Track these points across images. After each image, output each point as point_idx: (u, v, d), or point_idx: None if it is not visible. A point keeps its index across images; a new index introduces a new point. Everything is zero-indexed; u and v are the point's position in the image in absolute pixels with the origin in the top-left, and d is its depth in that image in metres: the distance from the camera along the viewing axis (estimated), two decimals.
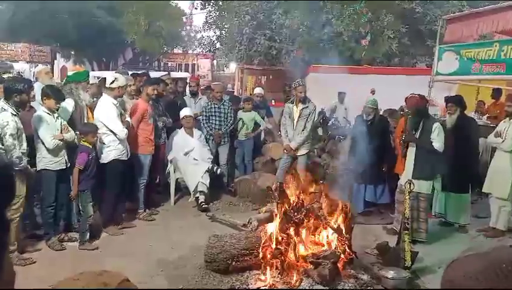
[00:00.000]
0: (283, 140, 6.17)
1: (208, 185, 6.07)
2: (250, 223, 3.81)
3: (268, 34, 16.33)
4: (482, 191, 5.43)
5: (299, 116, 5.85)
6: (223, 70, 29.98)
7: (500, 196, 5.17)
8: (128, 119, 5.03)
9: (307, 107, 5.85)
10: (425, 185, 4.81)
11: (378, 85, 13.51)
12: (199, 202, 6.03)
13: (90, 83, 5.37)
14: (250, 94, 16.38)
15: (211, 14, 19.39)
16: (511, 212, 5.32)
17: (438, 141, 4.79)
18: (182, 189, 6.55)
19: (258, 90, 7.96)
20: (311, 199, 4.16)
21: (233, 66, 22.41)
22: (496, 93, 8.33)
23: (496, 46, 7.54)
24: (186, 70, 29.15)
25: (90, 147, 4.60)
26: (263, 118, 7.35)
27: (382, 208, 6.06)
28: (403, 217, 4.53)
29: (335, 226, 4.08)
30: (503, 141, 5.11)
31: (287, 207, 4.00)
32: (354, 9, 13.59)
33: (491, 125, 7.43)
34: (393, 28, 15.19)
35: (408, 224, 4.42)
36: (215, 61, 29.29)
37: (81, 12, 18.92)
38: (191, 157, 6.22)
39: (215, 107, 6.75)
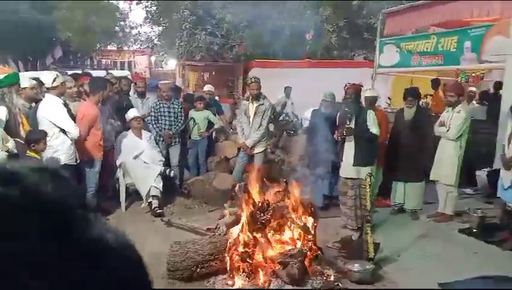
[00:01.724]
0: (239, 138, 6.05)
1: (161, 189, 5.80)
2: (218, 228, 3.65)
3: (209, 29, 16.07)
4: (430, 178, 5.62)
5: (254, 114, 5.75)
6: (162, 67, 29.20)
7: (447, 182, 5.40)
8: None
9: (263, 104, 5.76)
10: (366, 170, 4.89)
11: (320, 78, 13.79)
12: (153, 207, 5.75)
13: (25, 86, 4.87)
14: (194, 91, 16.09)
15: (148, 9, 18.74)
16: (457, 197, 5.60)
17: (374, 126, 4.91)
18: (132, 194, 6.21)
19: (207, 87, 7.74)
20: (275, 198, 4.08)
21: (172, 63, 21.85)
22: (434, 83, 8.75)
23: (433, 38, 7.93)
24: (122, 68, 28.03)
25: (39, 157, 4.18)
26: (214, 116, 7.16)
27: (337, 200, 6.13)
28: (364, 209, 4.60)
29: (301, 224, 4.05)
30: (447, 130, 5.31)
31: (252, 208, 3.90)
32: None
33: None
34: (332, 22, 15.57)
35: (370, 217, 4.49)
36: (153, 58, 28.44)
37: (3, 8, 17.46)
38: (141, 161, 5.90)
39: (164, 107, 6.46)
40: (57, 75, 4.52)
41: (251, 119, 5.81)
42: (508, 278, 3.94)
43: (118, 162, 5.81)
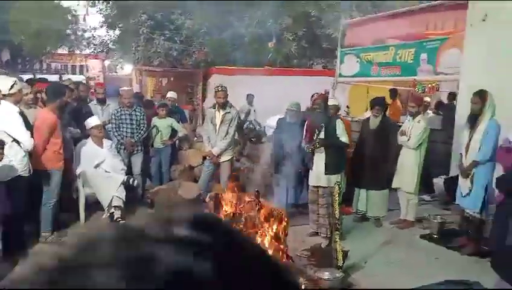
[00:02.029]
0: (205, 146, 5.95)
1: (124, 199, 5.59)
2: None
3: (168, 35, 15.83)
4: (392, 186, 5.78)
5: (221, 122, 5.68)
6: (116, 72, 28.35)
7: (408, 190, 5.59)
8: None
9: (229, 112, 5.71)
10: (335, 178, 4.96)
11: (281, 86, 13.94)
12: (115, 217, 5.52)
13: None
14: (152, 97, 15.75)
15: (103, 12, 18.18)
16: (417, 204, 5.81)
17: (344, 135, 5.00)
18: (91, 205, 5.94)
19: (170, 94, 7.57)
20: (247, 207, 4.03)
21: (128, 68, 21.28)
22: (392, 93, 9.05)
23: (391, 50, 8.23)
24: (74, 72, 27.02)
25: None
26: (178, 123, 7.02)
27: (302, 208, 6.17)
28: (332, 217, 4.64)
29: (272, 234, 4.02)
30: (408, 140, 5.49)
31: (224, 218, 3.83)
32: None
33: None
34: (292, 31, 15.81)
35: (339, 225, 4.53)
36: (107, 62, 27.56)
37: None
38: (102, 170, 5.66)
39: (125, 114, 6.25)
40: (14, 81, 4.22)
41: (217, 127, 5.74)
42: (470, 282, 4.10)
43: (77, 172, 5.54)
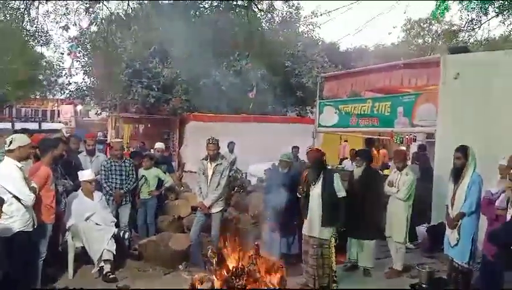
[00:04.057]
0: (197, 197, 5.99)
1: (114, 252, 5.49)
2: None
3: (145, 82, 16.05)
4: (386, 235, 5.90)
5: (212, 173, 5.76)
6: (89, 117, 28.13)
7: (398, 240, 5.73)
8: (34, 184, 4.32)
9: (221, 163, 5.81)
10: (329, 231, 5.05)
11: (259, 133, 14.24)
12: (104, 272, 5.39)
13: None
14: (127, 143, 15.65)
15: (79, 60, 18.29)
16: (404, 253, 5.93)
17: (341, 189, 5.12)
18: (77, 259, 5.78)
19: (158, 145, 7.64)
20: (248, 261, 4.07)
21: (103, 113, 21.20)
22: (368, 143, 9.43)
23: (369, 102, 8.68)
24: (44, 117, 26.64)
25: None
26: (164, 174, 7.03)
27: (293, 258, 6.20)
28: (329, 269, 4.74)
29: (272, 288, 4.05)
30: (397, 191, 5.68)
31: (226, 274, 3.85)
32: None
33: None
34: (267, 80, 16.37)
35: (335, 277, 4.62)
36: (79, 107, 27.37)
37: None
38: (92, 223, 5.58)
39: (115, 165, 6.26)
40: (12, 138, 4.23)
41: (209, 178, 5.81)
42: None
43: (67, 225, 5.43)
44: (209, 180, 5.80)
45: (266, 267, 4.14)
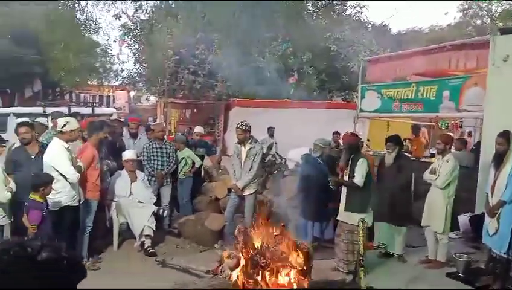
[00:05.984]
0: (231, 179, 6.15)
1: (154, 229, 5.80)
2: (223, 271, 3.68)
3: (192, 69, 16.40)
4: (421, 224, 5.72)
5: (246, 156, 5.88)
6: (141, 103, 29.23)
7: (437, 230, 5.48)
8: (80, 163, 4.69)
9: (254, 147, 5.91)
10: (356, 217, 4.98)
11: (302, 119, 14.14)
12: (145, 246, 5.72)
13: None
14: (175, 127, 16.14)
15: (131, 47, 18.98)
16: (447, 244, 5.69)
17: (357, 175, 5.01)
18: (122, 233, 6.16)
19: (197, 129, 7.88)
20: (274, 241, 4.15)
21: (153, 99, 21.96)
22: (415, 130, 9.10)
23: (413, 86, 8.37)
24: (101, 102, 27.93)
25: (42, 201, 4.17)
26: (203, 157, 7.25)
27: (326, 243, 6.21)
28: (357, 254, 4.71)
29: (298, 268, 4.11)
30: (436, 178, 5.46)
31: (252, 252, 3.96)
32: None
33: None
34: (311, 65, 16.20)
35: (363, 261, 4.57)
36: (132, 93, 28.51)
37: None
38: (135, 200, 5.91)
39: (157, 147, 6.54)
40: (67, 121, 4.61)
41: (242, 161, 5.93)
42: None
43: (112, 202, 5.80)
44: (242, 163, 5.92)
45: (292, 248, 4.21)
